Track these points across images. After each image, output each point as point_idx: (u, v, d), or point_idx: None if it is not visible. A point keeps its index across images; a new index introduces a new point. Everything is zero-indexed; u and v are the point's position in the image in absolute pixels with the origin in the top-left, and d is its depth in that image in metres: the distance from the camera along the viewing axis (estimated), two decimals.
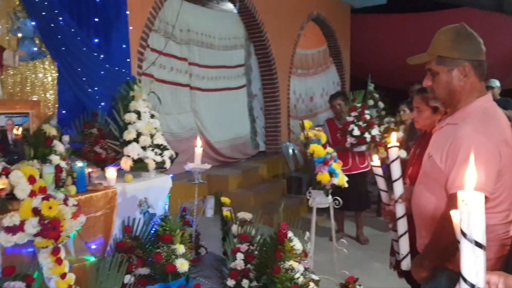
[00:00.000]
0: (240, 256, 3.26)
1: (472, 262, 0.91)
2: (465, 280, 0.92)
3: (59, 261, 2.66)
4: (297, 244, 3.15)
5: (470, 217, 0.90)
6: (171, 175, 3.97)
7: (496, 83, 6.67)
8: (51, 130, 3.25)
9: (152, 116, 3.88)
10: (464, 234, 0.91)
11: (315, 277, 3.37)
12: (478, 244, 0.90)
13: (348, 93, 6.81)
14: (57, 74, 3.83)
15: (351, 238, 5.23)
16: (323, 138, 3.89)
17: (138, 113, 3.76)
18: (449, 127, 1.87)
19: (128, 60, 4.38)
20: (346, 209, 4.93)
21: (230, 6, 7.13)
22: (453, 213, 1.25)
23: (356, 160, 5.17)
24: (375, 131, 4.98)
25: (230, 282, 3.14)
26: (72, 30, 3.79)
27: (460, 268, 1.80)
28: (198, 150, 3.62)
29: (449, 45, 1.84)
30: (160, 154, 3.75)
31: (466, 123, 1.78)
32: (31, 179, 2.75)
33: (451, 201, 1.75)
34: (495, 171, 1.72)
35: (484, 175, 1.68)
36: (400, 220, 2.20)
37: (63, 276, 2.66)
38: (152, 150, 3.71)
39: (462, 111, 1.85)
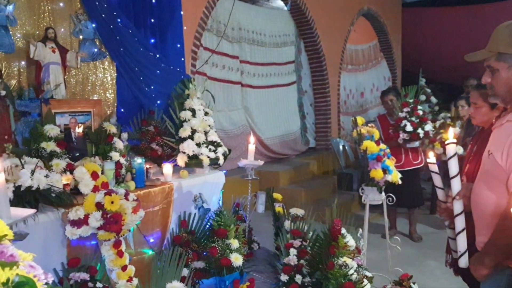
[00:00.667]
0: (293, 251, 3.29)
1: None
2: None
3: (120, 254, 2.80)
4: (350, 241, 3.15)
5: None
6: (224, 171, 4.06)
7: None
8: (111, 127, 3.41)
9: (206, 114, 3.97)
10: None
11: (369, 274, 3.35)
12: None
13: (400, 88, 6.67)
14: (115, 74, 4.00)
15: (404, 235, 5.13)
16: (376, 134, 3.85)
17: (193, 111, 3.87)
18: (509, 124, 1.84)
19: (183, 59, 4.52)
20: (399, 206, 4.85)
21: (280, 3, 7.15)
22: None
23: (409, 156, 5.07)
24: (429, 126, 4.86)
25: (284, 277, 3.18)
26: (130, 31, 3.94)
27: None
28: (251, 146, 3.68)
29: (509, 41, 1.80)
30: (214, 151, 3.84)
31: None
32: (94, 175, 2.90)
33: None
34: None
35: None
36: (458, 217, 2.15)
37: (124, 268, 2.79)
38: (206, 146, 3.80)
39: None
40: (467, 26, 8.84)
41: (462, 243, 2.16)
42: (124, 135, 3.69)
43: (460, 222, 2.15)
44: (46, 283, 1.20)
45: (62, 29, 3.63)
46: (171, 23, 4.34)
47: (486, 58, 1.88)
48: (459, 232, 2.16)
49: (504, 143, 1.79)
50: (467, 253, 2.14)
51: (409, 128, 4.80)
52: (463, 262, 2.15)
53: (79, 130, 3.25)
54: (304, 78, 7.75)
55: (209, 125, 3.96)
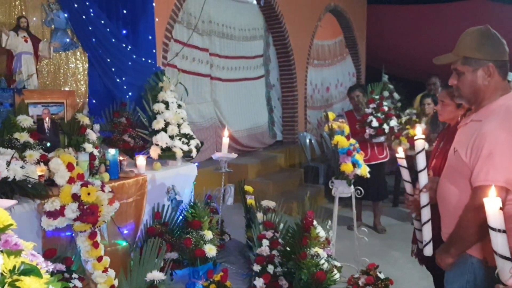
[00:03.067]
0: (265, 242, 3.38)
1: None
2: None
3: (96, 245, 2.81)
4: (321, 232, 3.27)
5: None
6: (196, 164, 4.09)
7: None
8: (84, 119, 3.38)
9: (179, 106, 3.99)
10: None
11: (338, 264, 3.49)
12: None
13: (364, 84, 6.85)
14: (87, 65, 3.95)
15: (369, 227, 5.32)
16: (347, 129, 3.99)
17: (166, 104, 3.88)
18: (473, 124, 1.97)
19: (154, 51, 4.51)
20: (364, 199, 5.02)
21: None
22: (486, 201, 1.35)
23: (374, 150, 5.24)
24: (393, 122, 5.05)
25: (256, 267, 3.27)
26: (102, 21, 3.90)
27: (483, 255, 1.90)
28: (225, 140, 3.73)
29: (474, 46, 1.93)
30: (187, 143, 3.87)
31: (490, 120, 1.88)
32: (70, 166, 2.88)
33: (476, 194, 1.85)
34: None
35: (508, 169, 1.77)
36: (424, 209, 2.27)
37: (99, 259, 2.80)
38: (180, 139, 3.83)
39: (486, 109, 1.95)
40: (428, 24, 9.14)
41: (427, 233, 2.29)
42: (96, 127, 3.66)
43: (426, 213, 2.28)
44: (47, 271, 1.23)
45: (34, 18, 3.57)
46: (143, 15, 4.32)
47: (453, 61, 2.02)
48: (425, 223, 2.29)
49: (468, 141, 1.92)
50: (431, 242, 2.28)
51: (375, 123, 4.97)
52: (428, 250, 2.29)
53: (52, 120, 3.21)
54: (272, 72, 7.84)
55: (182, 118, 3.98)
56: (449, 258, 2.03)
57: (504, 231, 1.47)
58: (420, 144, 2.29)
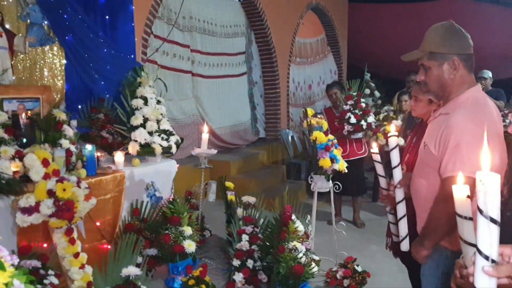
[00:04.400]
0: (245, 237, 3.39)
1: (487, 236, 1.01)
2: (480, 252, 1.02)
3: (72, 241, 2.79)
4: (299, 226, 3.29)
5: (487, 195, 0.99)
6: (176, 160, 4.08)
7: (488, 74, 6.77)
8: (61, 115, 3.34)
9: (159, 102, 3.97)
10: (480, 211, 1.01)
11: (316, 258, 3.53)
12: (493, 220, 1.00)
13: (345, 81, 6.91)
14: (65, 60, 3.90)
15: (348, 222, 5.38)
16: (325, 125, 4.02)
17: (145, 99, 3.86)
18: (442, 117, 2.01)
19: (133, 46, 4.47)
20: (343, 194, 5.08)
21: None
22: (454, 188, 1.37)
23: (353, 146, 5.30)
24: (371, 118, 5.12)
25: (236, 262, 3.28)
26: (80, 16, 3.86)
27: (456, 246, 1.93)
28: (205, 135, 3.73)
29: (439, 41, 1.98)
30: (166, 140, 3.86)
31: (457, 112, 1.92)
32: (45, 162, 2.84)
33: (444, 185, 1.89)
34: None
35: (475, 160, 1.81)
36: (399, 204, 2.31)
37: (76, 255, 2.78)
38: (159, 135, 3.81)
39: (453, 102, 1.99)
40: (409, 23, 9.23)
41: (403, 228, 2.33)
42: (74, 123, 3.62)
43: (401, 209, 2.31)
44: (12, 265, 1.21)
45: (9, 13, 3.51)
46: (122, 10, 4.28)
47: (420, 57, 2.05)
48: (401, 218, 2.33)
49: (436, 134, 1.96)
50: (408, 237, 2.32)
51: (353, 120, 5.02)
52: (405, 246, 2.32)
53: (28, 116, 3.18)
54: (254, 69, 7.85)
55: (162, 114, 3.96)
56: (424, 250, 2.07)
57: (470, 218, 1.50)
58: (394, 141, 2.33)
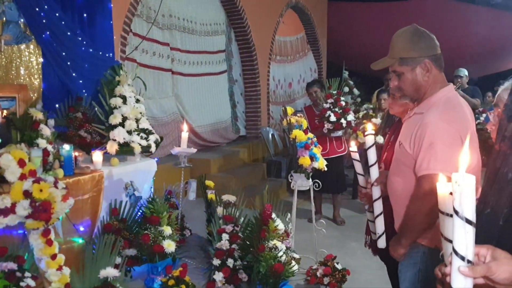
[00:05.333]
0: (225, 236, 3.39)
1: (463, 237, 1.02)
2: (456, 253, 1.03)
3: (49, 243, 2.74)
4: (280, 225, 3.30)
5: (462, 196, 1.00)
6: (155, 159, 4.06)
7: (464, 72, 6.89)
8: (37, 114, 3.29)
9: (137, 101, 3.94)
10: (456, 212, 1.02)
11: (296, 256, 3.55)
12: (468, 221, 1.01)
13: (325, 79, 6.96)
14: (41, 58, 3.84)
15: (328, 219, 5.43)
16: (304, 124, 4.04)
17: (124, 98, 3.82)
18: (416, 116, 2.06)
19: (112, 44, 4.42)
20: (323, 192, 5.11)
21: None
22: (439, 186, 1.39)
23: (333, 144, 5.35)
24: (351, 117, 5.17)
25: (216, 261, 3.27)
26: (57, 14, 3.80)
27: (433, 244, 1.97)
28: (185, 134, 3.71)
29: (408, 46, 2.02)
30: (146, 138, 3.83)
31: (431, 112, 1.97)
32: (21, 162, 2.79)
33: (420, 183, 1.93)
34: (458, 154, 1.88)
35: (449, 158, 1.84)
36: (376, 202, 2.34)
37: (53, 257, 2.73)
38: (138, 134, 3.78)
39: (427, 101, 2.04)
40: (387, 21, 9.32)
41: (380, 226, 2.36)
42: (51, 122, 3.56)
43: (378, 207, 2.34)
44: None
45: None
46: (100, 8, 4.23)
47: (390, 64, 2.08)
48: (377, 216, 2.36)
49: (411, 133, 2.00)
50: (384, 234, 2.35)
51: (332, 118, 5.06)
52: (381, 243, 2.35)
53: (3, 115, 3.11)
54: (234, 67, 7.84)
55: (141, 113, 3.93)
56: (401, 248, 2.10)
57: (451, 216, 1.53)
58: (370, 139, 2.36)
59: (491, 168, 1.42)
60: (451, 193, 1.19)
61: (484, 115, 6.65)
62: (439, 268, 1.15)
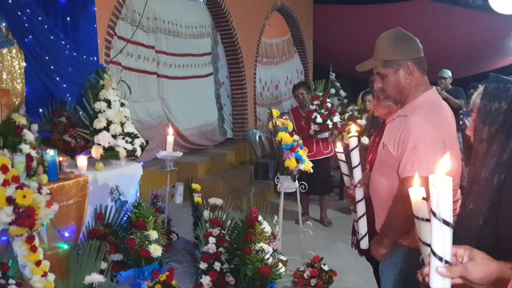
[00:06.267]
0: (212, 240, 3.39)
1: (441, 238, 1.03)
2: (434, 253, 1.04)
3: (33, 249, 2.71)
4: (266, 227, 3.31)
5: (439, 198, 1.02)
6: (141, 163, 4.03)
7: (448, 73, 6.96)
8: (20, 119, 3.25)
9: (122, 105, 3.92)
10: (433, 213, 1.03)
11: (283, 258, 3.56)
12: (445, 222, 1.02)
13: (312, 81, 6.99)
14: (24, 63, 3.80)
15: (316, 220, 5.45)
16: (290, 126, 4.06)
17: (108, 102, 3.80)
18: (400, 119, 2.09)
19: (96, 48, 4.38)
20: (310, 193, 5.14)
21: None
22: (411, 191, 1.41)
23: (320, 146, 5.37)
24: (336, 118, 5.21)
25: (203, 265, 3.27)
26: (39, 18, 3.76)
27: (414, 244, 1.99)
28: (170, 138, 3.70)
29: (392, 49, 2.05)
30: (131, 142, 3.81)
31: (415, 114, 2.00)
32: (4, 169, 2.75)
33: (403, 185, 1.95)
34: (440, 157, 1.91)
35: (432, 160, 1.87)
36: (359, 203, 2.36)
37: (38, 263, 2.71)
38: (123, 138, 3.76)
39: (410, 104, 2.07)
40: (372, 24, 9.41)
41: (362, 226, 2.38)
42: (34, 127, 3.52)
43: (361, 208, 2.37)
44: None
45: None
46: (84, 11, 4.19)
47: (374, 66, 2.11)
48: (360, 217, 2.38)
49: (395, 135, 2.03)
50: (367, 235, 2.37)
51: (319, 120, 5.09)
52: (364, 244, 2.38)
53: None
54: (221, 70, 7.83)
55: (126, 116, 3.91)
56: (382, 248, 2.12)
57: (427, 220, 1.55)
58: (354, 141, 2.38)
59: (471, 170, 1.45)
60: (424, 198, 1.20)
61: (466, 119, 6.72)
62: (421, 272, 1.17)
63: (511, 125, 1.35)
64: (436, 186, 1.02)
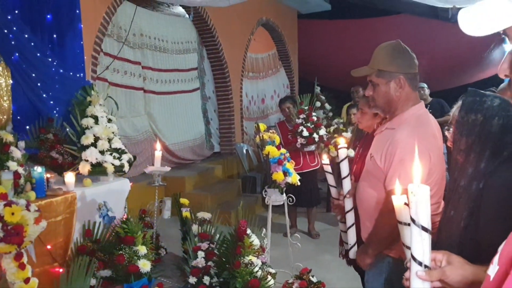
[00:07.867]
0: (201, 254, 3.39)
1: (420, 244, 1.08)
2: (414, 258, 1.09)
3: (22, 266, 2.70)
4: (255, 240, 3.33)
5: (418, 206, 1.07)
6: (128, 179, 4.04)
7: (423, 84, 7.10)
8: (7, 136, 3.25)
9: (109, 121, 3.93)
10: (413, 220, 1.08)
11: (272, 271, 3.57)
12: (424, 229, 1.07)
13: (297, 95, 7.07)
14: (11, 80, 3.80)
15: (304, 233, 5.48)
16: (277, 140, 4.11)
17: (96, 118, 3.81)
18: (388, 131, 2.14)
19: (83, 64, 4.40)
20: (298, 206, 5.18)
21: (182, 10, 7.21)
22: (395, 198, 1.47)
23: (307, 159, 5.43)
24: (322, 131, 5.29)
25: (192, 279, 3.27)
26: (26, 35, 3.78)
27: (399, 254, 2.04)
28: (158, 153, 3.72)
29: (388, 60, 2.11)
30: (119, 158, 3.82)
31: (402, 128, 2.06)
32: None
33: (389, 196, 1.99)
34: (426, 170, 1.98)
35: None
36: (348, 214, 2.41)
37: (26, 280, 2.70)
38: (111, 154, 3.77)
39: (398, 118, 2.12)
40: (355, 38, 9.56)
41: (352, 236, 2.43)
42: (21, 144, 3.52)
43: (350, 218, 2.41)
44: None
45: None
46: (70, 28, 4.21)
47: (369, 73, 2.18)
48: (350, 227, 2.43)
49: (383, 147, 2.09)
50: (356, 245, 2.42)
51: (305, 133, 5.16)
52: (353, 253, 2.42)
53: None
54: (207, 84, 7.89)
55: (113, 132, 3.92)
56: (368, 258, 2.17)
57: (408, 224, 1.60)
58: (343, 152, 2.44)
59: (450, 179, 1.51)
60: (406, 204, 1.26)
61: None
62: (405, 276, 1.22)
63: (487, 135, 1.42)
64: (415, 195, 1.08)
